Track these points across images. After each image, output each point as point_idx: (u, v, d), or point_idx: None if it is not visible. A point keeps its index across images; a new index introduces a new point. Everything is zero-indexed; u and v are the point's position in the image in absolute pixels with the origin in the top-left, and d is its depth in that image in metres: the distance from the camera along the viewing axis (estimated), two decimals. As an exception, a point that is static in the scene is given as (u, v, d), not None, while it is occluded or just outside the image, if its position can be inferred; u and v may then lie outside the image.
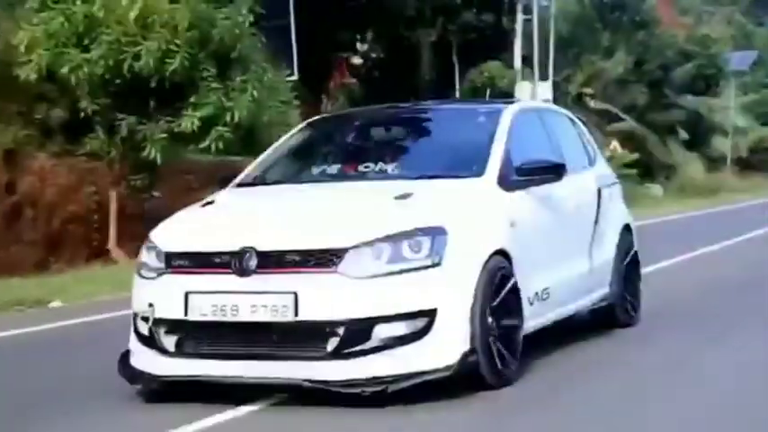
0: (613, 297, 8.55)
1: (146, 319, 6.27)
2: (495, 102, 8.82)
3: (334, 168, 7.40)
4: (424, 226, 6.12)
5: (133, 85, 14.70)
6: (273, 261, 6.02)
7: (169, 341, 6.24)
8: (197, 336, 6.17)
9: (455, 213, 6.39)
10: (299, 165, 7.80)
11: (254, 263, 6.03)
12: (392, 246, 6.00)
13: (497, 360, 6.33)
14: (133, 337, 6.53)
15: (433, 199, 6.54)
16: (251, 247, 6.07)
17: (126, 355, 6.63)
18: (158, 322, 6.25)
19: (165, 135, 14.80)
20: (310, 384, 5.91)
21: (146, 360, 6.36)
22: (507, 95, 25.54)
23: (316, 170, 7.45)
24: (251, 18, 15.14)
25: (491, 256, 6.39)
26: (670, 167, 39.50)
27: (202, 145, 14.90)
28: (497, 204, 6.83)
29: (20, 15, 15.25)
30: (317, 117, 8.98)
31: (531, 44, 30.50)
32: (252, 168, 7.79)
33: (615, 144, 36.01)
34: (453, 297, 6.09)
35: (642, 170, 34.98)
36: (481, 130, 7.40)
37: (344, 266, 5.92)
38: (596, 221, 8.37)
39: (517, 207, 6.98)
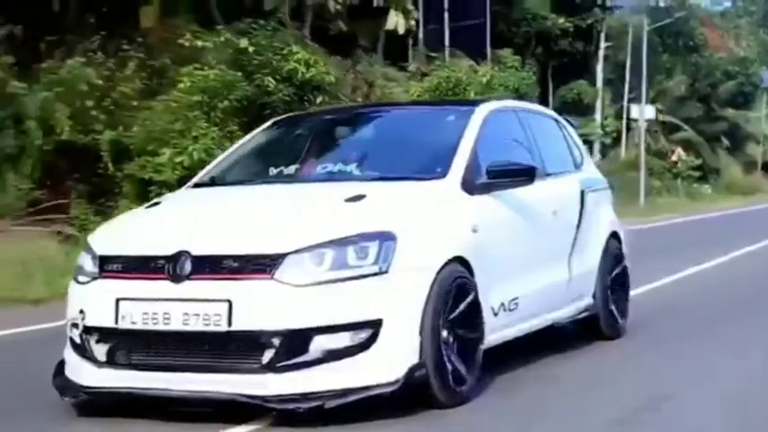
0: (596, 308, 8.11)
1: (75, 327, 5.91)
2: (470, 101, 8.38)
3: (291, 169, 6.99)
4: (371, 231, 5.71)
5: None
6: (208, 266, 5.63)
7: (100, 350, 5.85)
8: (128, 345, 5.79)
9: (407, 218, 5.97)
10: (258, 165, 7.41)
11: (188, 268, 5.64)
12: (336, 251, 5.59)
13: (450, 376, 5.91)
14: (68, 345, 6.16)
15: (386, 202, 6.12)
16: (186, 252, 5.68)
17: (60, 365, 6.26)
18: (90, 330, 5.87)
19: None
20: (243, 399, 5.51)
21: (77, 370, 5.99)
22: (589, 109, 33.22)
23: (273, 171, 7.03)
24: None
25: (446, 264, 5.97)
26: (717, 170, 47.78)
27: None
28: (458, 209, 6.41)
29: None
30: (284, 116, 8.60)
31: (608, 66, 40.63)
32: (210, 168, 7.43)
33: (679, 150, 43.38)
34: (401, 307, 5.68)
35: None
36: (450, 131, 6.99)
37: (282, 273, 5.51)
38: (578, 228, 7.93)
39: (482, 212, 6.55)
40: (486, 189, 6.66)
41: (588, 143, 33.85)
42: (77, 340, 5.95)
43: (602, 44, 40.57)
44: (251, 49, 19.10)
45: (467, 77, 26.43)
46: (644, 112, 38.32)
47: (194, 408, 5.73)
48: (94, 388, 5.84)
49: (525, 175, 6.78)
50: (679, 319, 9.42)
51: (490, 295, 6.42)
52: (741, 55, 54.58)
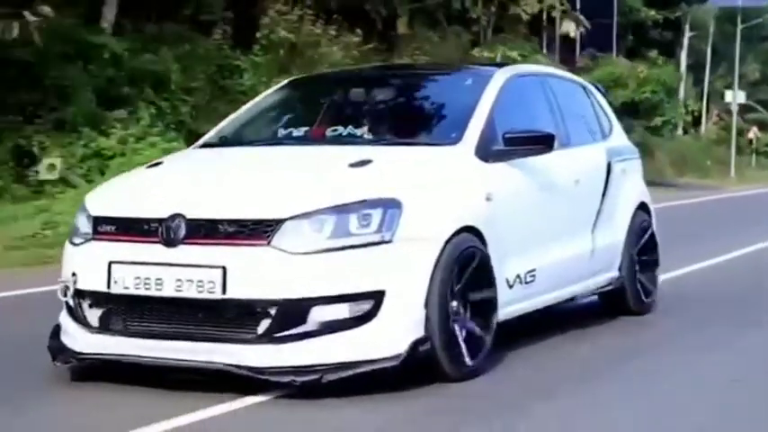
0: (623, 282, 7.79)
1: (65, 290, 5.69)
2: (491, 65, 8.06)
3: (300, 131, 6.71)
4: (375, 197, 5.44)
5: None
6: (203, 231, 5.38)
7: (93, 315, 5.64)
8: (121, 311, 5.56)
9: (415, 185, 5.68)
10: (268, 126, 7.15)
11: (182, 232, 5.40)
12: (336, 218, 5.32)
13: (462, 349, 5.64)
14: (64, 309, 5.96)
15: (392, 168, 5.84)
16: (180, 215, 5.43)
17: (56, 329, 6.06)
18: (83, 294, 5.66)
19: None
20: (237, 371, 5.27)
21: (70, 334, 5.78)
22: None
23: (282, 132, 6.77)
24: None
25: (456, 234, 5.68)
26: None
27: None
28: (471, 176, 6.11)
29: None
30: (300, 76, 8.32)
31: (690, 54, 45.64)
32: (220, 127, 7.16)
33: (755, 129, 47.54)
34: (405, 278, 5.41)
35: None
36: (467, 95, 6.68)
37: (280, 240, 5.25)
38: (603, 198, 7.61)
39: (496, 180, 6.26)
40: (502, 156, 6.36)
41: (672, 123, 37.57)
42: (70, 304, 5.74)
43: (687, 34, 45.97)
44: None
45: (627, 73, 32.77)
46: (736, 97, 45.09)
47: (190, 376, 5.51)
48: (86, 354, 5.63)
49: (543, 142, 6.47)
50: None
51: (505, 267, 6.14)
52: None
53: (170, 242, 5.39)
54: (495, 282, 6.01)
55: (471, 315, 5.77)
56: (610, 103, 8.63)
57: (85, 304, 5.65)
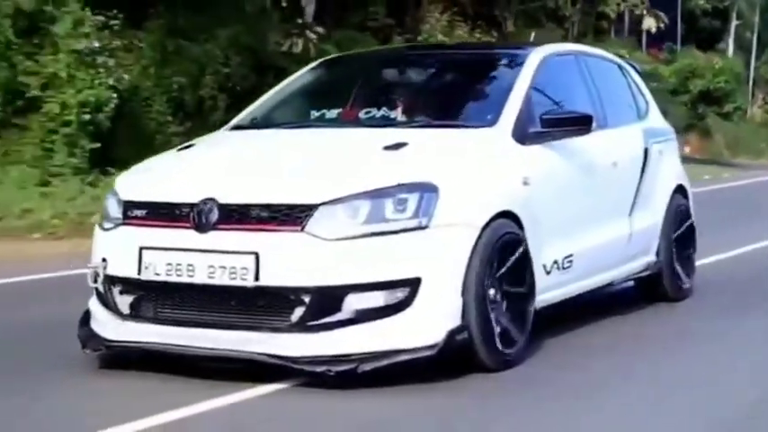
0: (660, 266, 7.62)
1: (95, 276, 5.57)
2: (525, 45, 7.87)
3: (333, 113, 6.55)
4: (411, 181, 5.28)
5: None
6: (236, 216, 5.25)
7: (124, 302, 5.52)
8: (152, 298, 5.44)
9: (451, 168, 5.53)
10: (301, 107, 7.00)
11: (214, 217, 5.27)
12: (371, 203, 5.17)
13: (498, 338, 5.50)
14: (94, 295, 5.85)
15: (428, 151, 5.68)
16: (212, 199, 5.30)
17: (86, 315, 5.95)
18: (113, 280, 5.54)
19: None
20: (270, 360, 5.15)
21: (100, 321, 5.67)
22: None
23: (314, 114, 6.60)
24: None
25: (493, 219, 5.53)
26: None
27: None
28: (508, 159, 5.96)
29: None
30: (332, 56, 8.16)
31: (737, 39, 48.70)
32: (252, 109, 7.00)
33: None
34: (442, 265, 5.26)
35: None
36: (502, 75, 6.57)
37: (313, 225, 5.11)
38: (640, 181, 7.43)
39: (534, 163, 6.10)
40: (539, 138, 6.20)
41: (742, 109, 41.37)
42: (101, 290, 5.62)
43: (734, 22, 48.93)
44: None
45: (704, 64, 36.54)
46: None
47: (219, 365, 5.38)
48: (116, 342, 5.52)
49: (581, 124, 6.30)
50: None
51: (542, 252, 5.98)
52: None
53: (202, 227, 5.27)
54: (533, 268, 5.86)
55: (508, 303, 5.62)
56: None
57: (116, 290, 5.53)
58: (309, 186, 5.26)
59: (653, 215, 7.59)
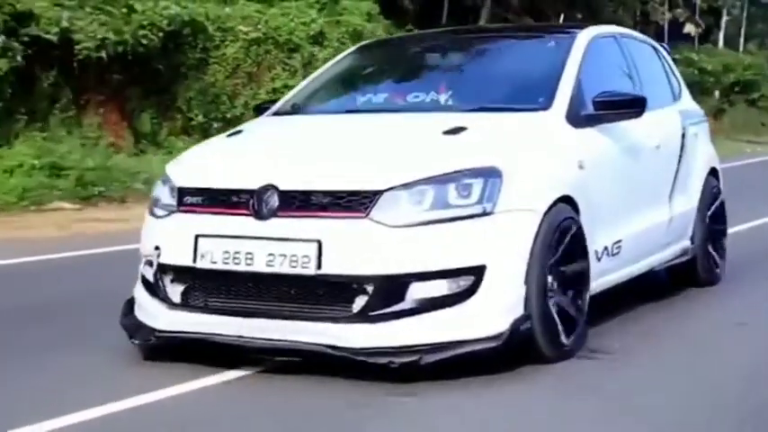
0: (695, 251, 7.53)
1: (149, 264, 5.41)
2: (570, 26, 7.73)
3: (380, 98, 6.41)
4: (475, 166, 5.15)
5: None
6: (297, 203, 5.10)
7: (174, 291, 5.37)
8: (206, 287, 5.29)
9: (513, 152, 5.40)
10: (344, 93, 6.87)
11: (274, 204, 5.12)
12: (436, 189, 5.03)
13: (559, 327, 5.38)
14: (139, 283, 5.69)
15: (489, 135, 5.55)
16: (272, 186, 5.15)
17: (130, 304, 5.80)
18: (164, 268, 5.38)
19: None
20: (332, 351, 5.01)
21: (147, 311, 5.52)
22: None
23: (360, 99, 6.46)
24: None
25: (554, 204, 5.41)
26: None
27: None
28: (564, 143, 5.84)
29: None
30: (371, 40, 8.00)
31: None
32: (292, 95, 6.87)
33: None
34: (507, 252, 5.13)
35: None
36: (551, 58, 6.40)
37: (377, 212, 4.97)
38: (679, 164, 7.33)
39: (588, 146, 5.98)
40: (591, 122, 6.09)
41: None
42: (150, 279, 5.46)
43: (725, 18, 48.90)
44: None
45: (735, 61, 40.25)
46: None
47: (271, 357, 5.29)
48: (167, 332, 5.37)
49: (635, 106, 6.19)
50: None
51: (594, 238, 5.87)
52: None
53: (261, 215, 5.12)
54: (589, 254, 5.74)
55: (565, 291, 5.51)
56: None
57: (167, 279, 5.38)
58: (373, 172, 5.12)
59: (689, 199, 7.50)
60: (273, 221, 5.10)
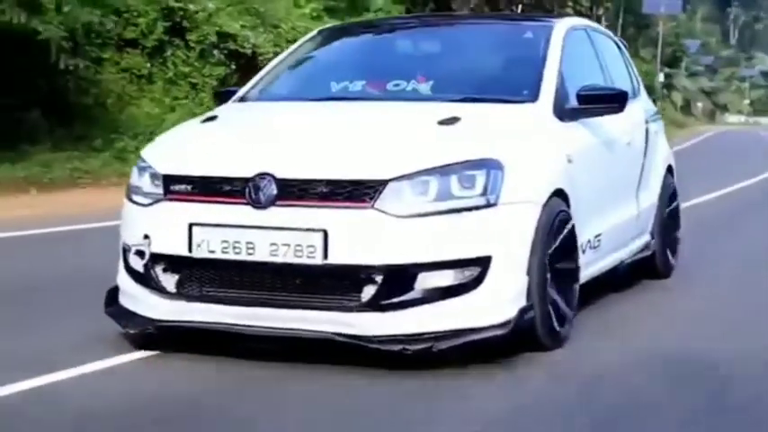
0: (655, 246, 7.62)
1: (140, 254, 5.25)
2: (542, 17, 7.74)
3: (357, 85, 6.29)
4: (477, 158, 5.11)
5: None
6: (296, 192, 5.00)
7: (168, 280, 5.23)
8: (203, 276, 5.16)
9: (512, 144, 5.37)
10: (313, 79, 6.71)
11: (272, 193, 5.01)
12: (440, 180, 4.99)
13: (553, 317, 5.39)
14: (123, 272, 5.52)
15: (485, 126, 5.51)
16: (268, 174, 5.04)
17: (113, 292, 5.63)
18: (155, 258, 5.23)
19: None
20: (343, 339, 4.94)
21: (139, 300, 5.37)
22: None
23: (335, 86, 6.33)
24: None
25: (550, 197, 5.41)
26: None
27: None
28: (554, 136, 5.83)
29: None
30: (329, 25, 7.88)
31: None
32: (256, 81, 6.70)
33: None
34: (510, 244, 5.11)
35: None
36: (530, 48, 6.38)
37: (383, 202, 4.90)
38: (644, 160, 7.41)
39: (573, 140, 6.00)
40: (574, 115, 6.10)
41: None
42: (139, 269, 5.31)
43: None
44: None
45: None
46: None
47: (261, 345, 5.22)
48: (166, 321, 5.23)
49: (617, 101, 6.21)
50: None
51: (581, 231, 5.88)
52: None
53: (259, 203, 5.01)
54: (578, 246, 5.77)
55: (559, 282, 5.51)
56: None
57: (159, 268, 5.23)
58: (377, 162, 5.04)
59: (651, 195, 7.60)
60: (273, 210, 4.99)
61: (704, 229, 10.64)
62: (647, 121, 7.62)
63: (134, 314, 5.38)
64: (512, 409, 4.56)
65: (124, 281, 5.50)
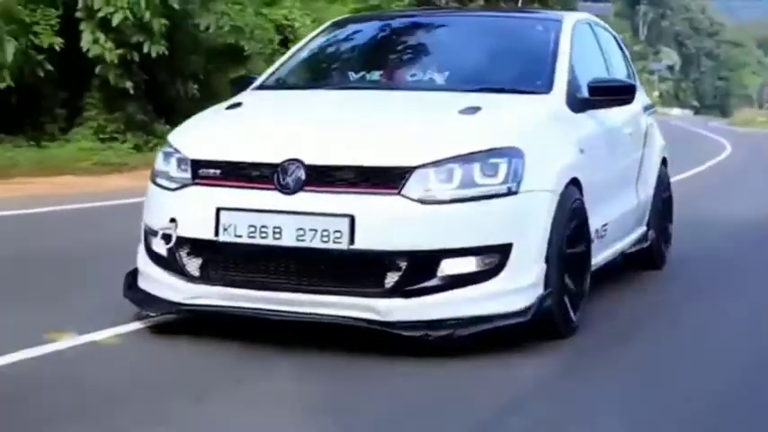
0: (651, 237, 7.75)
1: (166, 238, 5.31)
2: (549, 12, 7.85)
3: (375, 75, 6.39)
4: (499, 146, 5.22)
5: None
6: (324, 178, 5.09)
7: (193, 264, 5.29)
8: (228, 260, 5.23)
9: (531, 134, 5.50)
10: (330, 69, 6.82)
11: (300, 178, 5.09)
12: (464, 167, 5.09)
13: (568, 304, 5.51)
14: (143, 255, 5.59)
15: (504, 115, 5.63)
16: (297, 160, 5.12)
17: (133, 275, 5.69)
18: (180, 241, 5.30)
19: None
20: (366, 324, 5.03)
21: (160, 284, 5.43)
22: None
23: (353, 76, 6.42)
24: None
25: (567, 186, 5.53)
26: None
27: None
28: (568, 126, 5.95)
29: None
30: (343, 17, 7.96)
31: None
32: (275, 69, 6.79)
33: None
34: (530, 231, 5.22)
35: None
36: (541, 41, 6.50)
37: (409, 189, 5.00)
38: (643, 152, 7.56)
39: (584, 131, 6.12)
40: (585, 106, 6.22)
41: None
42: (163, 252, 5.37)
43: None
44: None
45: None
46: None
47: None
48: (189, 305, 5.29)
49: (627, 93, 6.35)
50: None
51: (592, 220, 6.00)
52: None
53: (287, 189, 5.08)
54: (590, 235, 5.89)
55: (572, 270, 5.61)
56: None
57: (183, 252, 5.30)
58: (404, 149, 5.14)
59: (648, 186, 7.72)
60: (301, 195, 5.07)
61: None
62: (645, 114, 7.75)
63: (154, 297, 5.44)
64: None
65: (145, 264, 5.56)
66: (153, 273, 5.48)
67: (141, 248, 5.64)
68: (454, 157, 5.09)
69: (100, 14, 16.15)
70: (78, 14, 16.39)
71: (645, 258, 7.84)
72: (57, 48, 16.09)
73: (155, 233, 5.40)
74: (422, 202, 4.99)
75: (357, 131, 5.43)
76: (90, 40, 16.42)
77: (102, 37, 16.35)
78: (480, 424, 4.21)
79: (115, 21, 16.12)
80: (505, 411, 4.37)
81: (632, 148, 7.29)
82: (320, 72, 6.79)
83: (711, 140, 37.41)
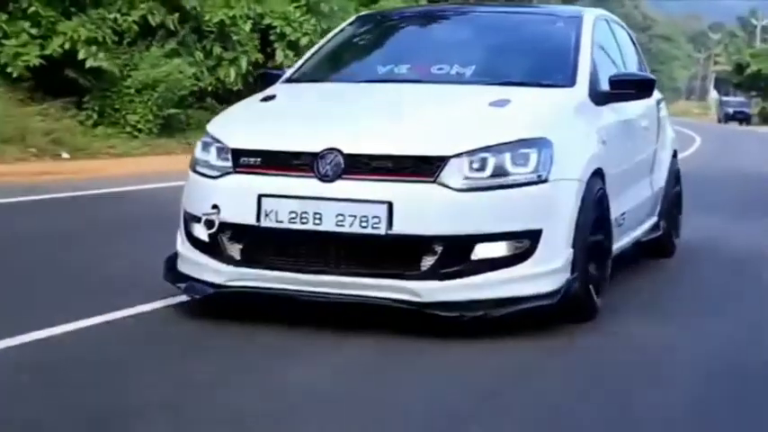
0: (662, 227, 8.00)
1: (209, 223, 5.53)
2: (567, 8, 8.08)
3: (402, 68, 6.61)
4: (529, 137, 5.47)
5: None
6: (362, 166, 5.32)
7: (234, 248, 5.53)
8: (268, 244, 5.46)
9: (559, 125, 5.75)
10: (358, 63, 7.05)
11: (339, 167, 5.33)
12: (496, 157, 5.34)
13: (592, 289, 5.75)
14: (183, 240, 5.81)
15: (534, 108, 5.88)
16: (336, 149, 5.36)
17: (172, 259, 5.92)
18: (222, 227, 5.52)
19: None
20: (402, 305, 5.27)
21: (201, 267, 5.66)
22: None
23: (381, 69, 6.65)
24: None
25: (591, 175, 5.77)
26: None
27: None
28: (592, 119, 6.20)
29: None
30: (368, 12, 8.17)
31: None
32: (301, 64, 7.02)
33: None
34: (558, 218, 5.47)
35: None
36: (562, 37, 6.73)
37: (445, 177, 5.24)
38: (657, 144, 7.81)
39: (605, 123, 6.37)
40: (606, 99, 6.46)
41: None
42: (203, 237, 5.59)
43: None
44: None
45: None
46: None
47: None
48: (229, 287, 5.52)
49: (647, 86, 6.59)
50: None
51: (612, 209, 6.24)
52: None
53: (327, 177, 5.31)
54: (612, 223, 6.13)
55: (595, 256, 5.85)
56: None
57: (224, 237, 5.53)
58: (439, 139, 5.38)
59: (660, 177, 7.97)
60: (340, 183, 5.30)
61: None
62: (658, 106, 7.99)
63: (195, 280, 5.67)
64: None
65: (185, 248, 5.78)
66: (194, 257, 5.71)
67: (180, 233, 5.86)
68: (487, 147, 5.33)
69: (289, 38, 21.01)
70: (272, 38, 21.12)
71: (656, 247, 8.08)
72: (259, 61, 20.70)
73: (197, 219, 5.62)
74: (457, 189, 5.23)
75: (392, 122, 5.68)
76: (282, 56, 21.00)
77: (290, 53, 20.79)
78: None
79: (302, 42, 20.52)
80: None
81: (648, 141, 7.55)
82: (348, 66, 7.03)
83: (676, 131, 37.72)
